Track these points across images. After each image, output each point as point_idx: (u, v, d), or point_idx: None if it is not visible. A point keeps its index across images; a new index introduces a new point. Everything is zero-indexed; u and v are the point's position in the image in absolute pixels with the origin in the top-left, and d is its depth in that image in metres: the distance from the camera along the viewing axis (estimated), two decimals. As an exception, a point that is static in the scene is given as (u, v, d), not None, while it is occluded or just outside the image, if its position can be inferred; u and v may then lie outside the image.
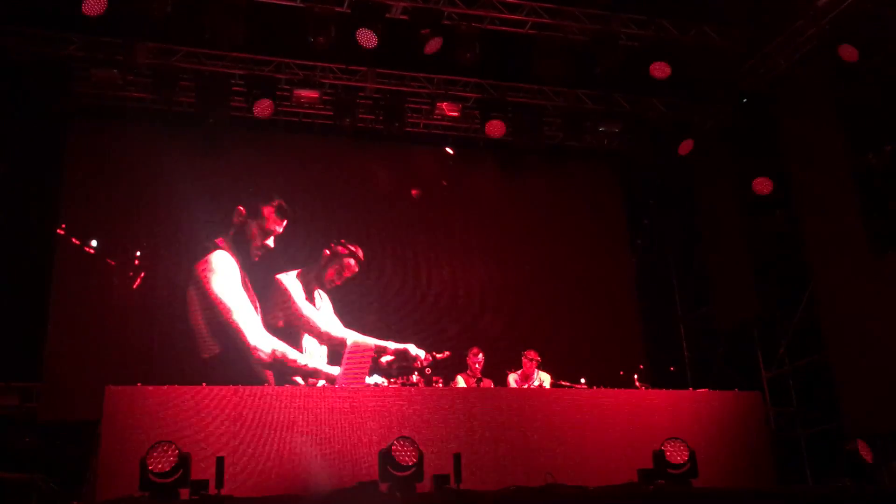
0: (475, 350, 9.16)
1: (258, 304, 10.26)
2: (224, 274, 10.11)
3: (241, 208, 10.51)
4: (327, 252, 10.84)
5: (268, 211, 10.57)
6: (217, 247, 10.29)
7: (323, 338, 10.42)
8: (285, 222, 10.60)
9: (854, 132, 9.15)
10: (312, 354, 10.30)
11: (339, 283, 10.81)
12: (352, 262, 10.88)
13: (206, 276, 10.12)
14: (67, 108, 10.11)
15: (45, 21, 9.41)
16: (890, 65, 8.81)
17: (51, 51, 9.55)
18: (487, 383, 8.97)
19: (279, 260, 10.76)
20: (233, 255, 10.29)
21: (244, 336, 9.94)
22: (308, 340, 10.37)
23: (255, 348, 9.95)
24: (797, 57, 9.90)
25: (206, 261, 10.21)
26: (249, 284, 10.27)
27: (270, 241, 10.49)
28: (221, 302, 10.01)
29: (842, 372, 9.25)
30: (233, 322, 9.95)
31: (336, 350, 10.19)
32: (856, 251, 9.09)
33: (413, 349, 10.05)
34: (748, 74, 10.53)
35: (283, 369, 9.89)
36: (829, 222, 9.55)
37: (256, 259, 10.38)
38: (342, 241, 10.93)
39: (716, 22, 10.13)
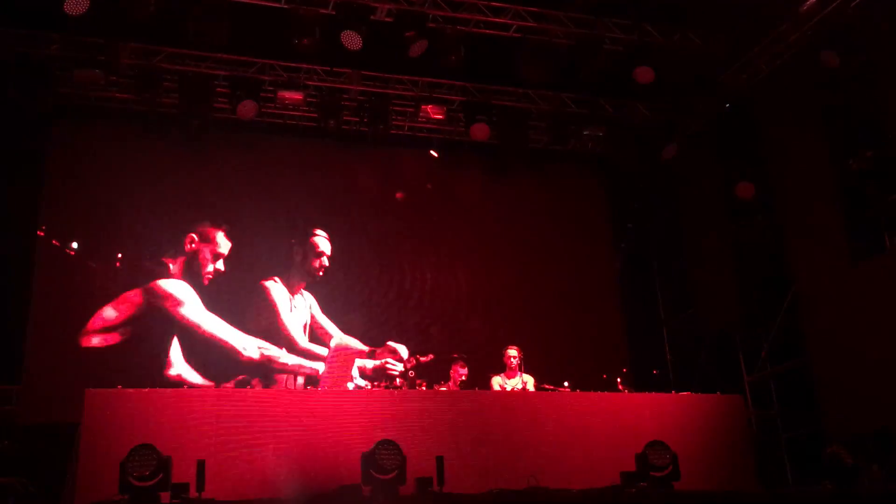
0: (461, 364, 9.12)
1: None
2: (189, 300, 10.16)
3: (193, 235, 10.46)
4: (297, 253, 10.80)
5: (218, 235, 10.56)
6: (166, 273, 10.24)
7: (298, 351, 10.41)
8: (231, 245, 10.59)
9: (835, 137, 9.23)
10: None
11: (324, 267, 10.76)
12: (317, 240, 10.83)
13: (169, 306, 10.09)
14: (49, 109, 10.02)
15: (27, 20, 9.32)
16: (871, 70, 8.89)
17: (32, 50, 9.46)
18: None
19: (263, 264, 10.72)
20: (185, 281, 10.32)
21: (227, 342, 10.07)
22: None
23: (243, 350, 10.07)
24: (779, 62, 9.97)
25: (160, 288, 10.15)
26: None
27: (221, 265, 10.47)
28: (193, 322, 10.08)
29: (823, 375, 9.32)
30: (210, 334, 10.07)
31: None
32: (837, 256, 9.16)
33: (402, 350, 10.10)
34: (731, 79, 10.59)
35: (270, 370, 10.03)
36: (811, 227, 9.62)
37: (207, 283, 10.36)
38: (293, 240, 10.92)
39: (699, 27, 10.18)
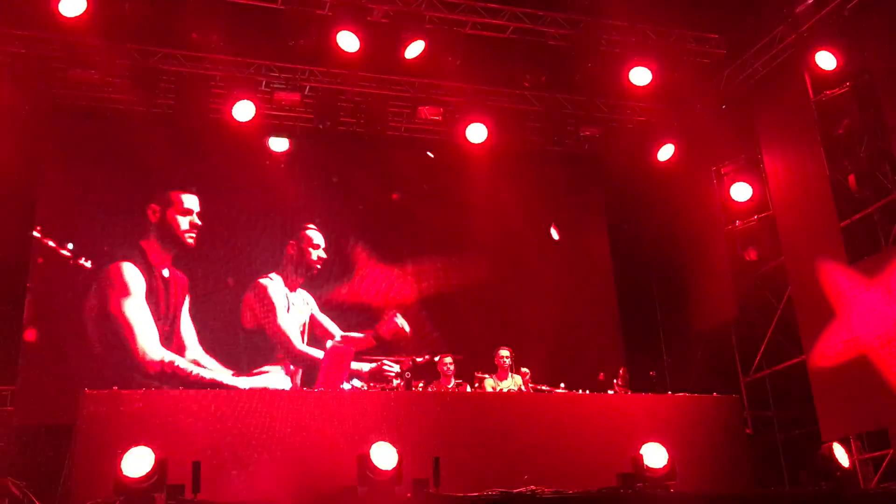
0: (444, 355, 9.15)
1: (171, 312, 10.14)
2: (127, 288, 9.94)
3: (154, 205, 10.36)
4: (292, 248, 10.76)
5: (176, 195, 10.45)
6: (144, 258, 10.13)
7: (297, 358, 10.34)
8: (198, 198, 10.48)
9: (831, 137, 9.24)
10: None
11: (321, 259, 10.72)
12: (310, 233, 10.79)
13: (112, 287, 9.93)
14: (45, 109, 10.00)
15: (23, 21, 9.30)
16: (867, 72, 8.91)
17: (29, 51, 9.44)
18: (461, 388, 8.92)
19: (260, 263, 10.71)
20: (147, 261, 10.14)
21: (135, 348, 9.75)
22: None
23: (143, 362, 9.71)
24: (775, 63, 9.98)
25: (114, 269, 10.00)
26: (161, 288, 10.15)
27: (196, 219, 10.37)
28: (124, 317, 9.83)
29: (819, 375, 9.33)
30: (129, 337, 9.78)
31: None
32: (833, 256, 9.17)
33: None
34: (727, 80, 10.61)
35: (174, 381, 9.54)
36: (807, 227, 9.64)
37: (193, 243, 10.30)
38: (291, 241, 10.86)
39: (695, 28, 10.20)
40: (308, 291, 10.79)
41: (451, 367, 9.02)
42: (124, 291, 9.93)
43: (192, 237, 10.33)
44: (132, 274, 10.01)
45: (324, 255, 10.82)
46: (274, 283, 10.57)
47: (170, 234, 10.29)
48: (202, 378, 9.72)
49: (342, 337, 10.43)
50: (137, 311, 9.89)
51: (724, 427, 8.55)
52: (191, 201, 10.43)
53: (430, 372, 9.32)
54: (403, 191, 11.65)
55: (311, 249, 10.79)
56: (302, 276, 10.74)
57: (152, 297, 10.05)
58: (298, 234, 10.86)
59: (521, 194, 11.99)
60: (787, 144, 9.93)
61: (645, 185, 11.95)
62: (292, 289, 10.66)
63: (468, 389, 8.82)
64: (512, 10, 9.73)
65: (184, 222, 10.32)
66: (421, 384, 8.58)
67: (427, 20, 9.45)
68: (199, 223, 10.38)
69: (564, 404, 8.34)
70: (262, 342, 10.35)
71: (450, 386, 8.89)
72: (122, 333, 9.78)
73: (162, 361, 9.77)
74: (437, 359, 9.18)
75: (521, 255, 11.79)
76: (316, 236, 10.88)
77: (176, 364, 9.79)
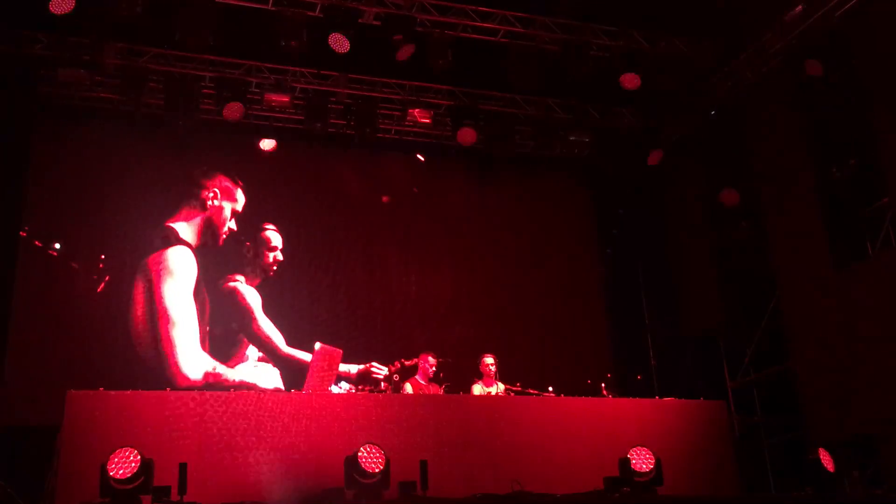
0: (431, 355, 9.15)
1: (207, 308, 10.08)
2: (180, 276, 9.82)
3: (216, 190, 10.38)
4: (248, 250, 10.64)
5: (237, 192, 10.50)
6: (178, 240, 10.06)
7: (280, 358, 10.21)
8: (243, 201, 10.49)
9: (819, 145, 9.30)
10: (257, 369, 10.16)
11: (278, 261, 10.58)
12: (269, 234, 10.63)
13: (158, 275, 9.84)
14: (33, 108, 9.95)
15: (11, 19, 9.25)
16: (855, 79, 8.97)
17: (16, 49, 9.39)
18: (435, 389, 8.93)
19: (232, 266, 10.65)
20: (193, 250, 10.09)
21: (174, 356, 9.58)
22: (253, 352, 10.26)
23: (184, 375, 9.51)
24: (764, 70, 10.04)
25: (163, 257, 9.95)
26: (203, 285, 10.11)
27: (233, 224, 10.39)
28: (166, 311, 9.73)
29: (805, 382, 9.37)
30: (169, 337, 9.64)
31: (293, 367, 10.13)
32: (819, 263, 9.22)
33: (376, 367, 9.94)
34: (717, 87, 10.66)
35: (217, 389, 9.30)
36: (794, 234, 9.69)
37: (221, 243, 10.27)
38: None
39: (685, 34, 10.25)
40: (294, 294, 10.71)
41: (433, 369, 9.03)
42: (169, 273, 9.82)
43: (224, 237, 10.31)
44: (180, 255, 9.92)
45: (281, 258, 10.67)
46: (244, 286, 10.43)
47: (213, 227, 10.23)
48: (235, 381, 9.64)
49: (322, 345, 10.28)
50: (182, 302, 9.73)
51: (710, 432, 8.57)
52: (241, 202, 10.46)
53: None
54: (393, 193, 11.64)
55: (267, 251, 10.63)
56: (258, 277, 10.62)
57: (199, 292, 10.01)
58: (256, 235, 10.68)
59: (510, 198, 12.02)
60: (775, 151, 9.98)
61: (634, 190, 11.99)
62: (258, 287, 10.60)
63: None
64: (503, 13, 9.76)
65: (227, 223, 10.32)
66: (396, 377, 8.61)
67: (418, 23, 9.46)
68: (235, 228, 10.37)
69: (552, 408, 8.34)
70: (236, 343, 10.25)
71: (439, 381, 8.90)
72: (163, 334, 9.61)
73: (206, 374, 9.58)
74: (420, 354, 9.19)
75: (510, 259, 11.79)
76: (274, 237, 10.70)
77: (217, 371, 9.64)
